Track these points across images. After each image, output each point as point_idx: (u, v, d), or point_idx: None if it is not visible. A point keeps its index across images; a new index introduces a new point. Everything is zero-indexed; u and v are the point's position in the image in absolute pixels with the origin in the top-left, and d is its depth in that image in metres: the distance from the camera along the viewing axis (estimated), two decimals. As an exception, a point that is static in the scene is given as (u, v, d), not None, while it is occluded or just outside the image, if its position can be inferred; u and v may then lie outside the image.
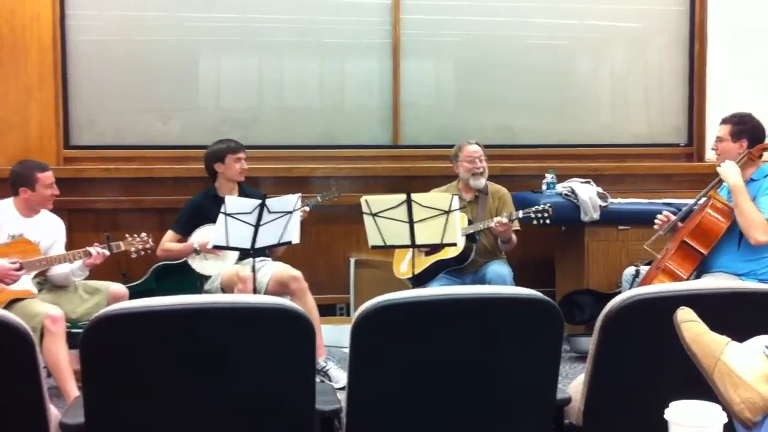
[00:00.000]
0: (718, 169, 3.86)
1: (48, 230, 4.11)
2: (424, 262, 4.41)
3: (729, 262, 3.79)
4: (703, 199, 3.98)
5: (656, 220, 4.08)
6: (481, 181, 4.59)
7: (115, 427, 2.15)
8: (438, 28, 5.62)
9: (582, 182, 5.07)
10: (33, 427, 2.18)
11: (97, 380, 2.12)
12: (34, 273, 3.96)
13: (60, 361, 3.68)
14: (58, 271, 4.07)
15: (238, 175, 4.51)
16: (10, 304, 3.78)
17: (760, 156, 3.88)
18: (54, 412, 2.29)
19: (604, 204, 4.92)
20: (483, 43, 5.67)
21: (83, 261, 4.01)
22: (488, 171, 4.79)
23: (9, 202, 4.05)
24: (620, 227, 4.94)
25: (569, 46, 5.78)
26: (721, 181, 3.92)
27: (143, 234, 4.24)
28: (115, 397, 2.13)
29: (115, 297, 4.01)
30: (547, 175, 5.15)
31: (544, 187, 5.12)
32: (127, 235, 4.22)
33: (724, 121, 4.01)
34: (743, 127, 3.92)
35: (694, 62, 5.83)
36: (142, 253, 4.23)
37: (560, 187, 5.05)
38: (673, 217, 4.06)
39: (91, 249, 4.00)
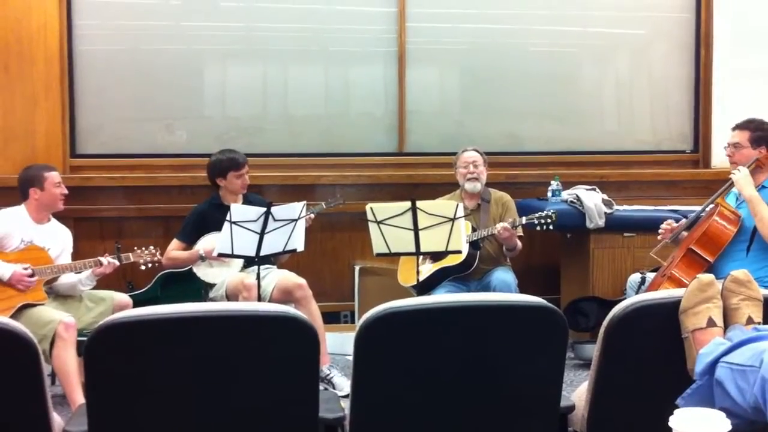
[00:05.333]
0: (733, 177, 3.82)
1: (57, 239, 4.14)
2: (428, 269, 4.42)
3: (737, 269, 3.76)
4: (711, 206, 3.96)
5: (660, 229, 4.07)
6: (476, 186, 4.58)
7: (118, 434, 2.16)
8: (443, 36, 5.62)
9: (587, 189, 5.07)
10: (37, 435, 2.19)
11: (101, 388, 2.12)
12: (45, 280, 3.98)
13: (69, 368, 3.69)
14: (65, 280, 4.10)
15: (240, 189, 4.52)
16: (21, 310, 3.82)
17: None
18: (57, 420, 2.29)
19: (609, 211, 4.92)
20: (488, 50, 5.67)
21: (93, 270, 4.04)
22: (493, 178, 4.79)
23: (22, 208, 4.10)
24: (626, 234, 4.93)
25: (574, 53, 5.79)
26: (728, 189, 3.90)
27: (151, 247, 4.28)
28: (119, 404, 2.13)
29: (120, 307, 4.03)
30: (552, 182, 5.14)
31: (549, 194, 5.12)
32: (136, 248, 4.25)
33: (740, 127, 3.96)
34: (763, 133, 3.89)
35: (699, 68, 5.82)
36: (150, 265, 4.28)
37: (565, 194, 5.05)
38: (675, 225, 4.05)
39: (102, 259, 4.04)
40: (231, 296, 4.28)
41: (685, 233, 4.02)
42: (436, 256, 4.42)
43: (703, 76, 5.81)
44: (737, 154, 3.94)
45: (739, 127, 3.97)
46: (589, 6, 5.75)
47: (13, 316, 3.58)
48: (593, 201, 4.90)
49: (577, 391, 2.58)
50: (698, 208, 4.09)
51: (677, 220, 4.13)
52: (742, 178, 3.76)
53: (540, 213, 4.30)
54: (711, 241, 3.77)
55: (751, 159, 3.86)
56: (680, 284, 3.72)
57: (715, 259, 3.78)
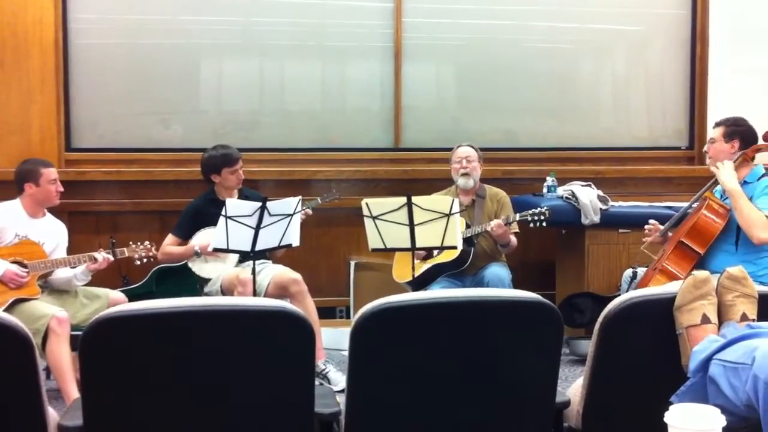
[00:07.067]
0: (715, 171, 3.86)
1: (52, 234, 4.14)
2: (423, 265, 4.42)
3: (727, 263, 3.78)
4: (699, 201, 4.00)
5: (646, 229, 4.11)
6: (469, 182, 4.58)
7: (113, 429, 2.15)
8: (439, 31, 5.62)
9: (583, 185, 5.07)
10: (31, 429, 2.18)
11: (96, 382, 2.12)
12: (38, 275, 3.97)
13: (63, 362, 3.70)
14: (60, 275, 4.09)
15: (235, 185, 4.51)
16: (14, 304, 3.81)
17: (753, 158, 3.91)
18: (53, 414, 2.29)
19: (604, 207, 4.93)
20: (484, 46, 5.67)
21: (87, 266, 4.04)
22: (490, 174, 4.79)
23: (16, 202, 4.10)
24: (621, 230, 4.94)
25: (570, 50, 5.79)
26: (716, 183, 3.93)
27: (147, 242, 4.27)
28: (114, 399, 2.12)
29: (115, 304, 3.99)
30: (548, 178, 5.15)
31: (545, 190, 5.13)
32: (131, 243, 4.24)
33: (718, 124, 4.06)
34: (737, 128, 3.96)
35: (695, 65, 5.83)
36: (145, 260, 4.27)
37: (561, 190, 5.05)
38: (660, 226, 4.08)
39: (96, 254, 4.04)
40: (226, 291, 4.28)
41: (672, 231, 4.06)
42: (427, 255, 4.43)
43: (699, 72, 5.82)
44: (711, 149, 4.02)
45: (717, 123, 4.07)
46: (586, 2, 5.75)
47: (5, 311, 3.57)
48: (588, 197, 4.90)
49: (573, 387, 2.58)
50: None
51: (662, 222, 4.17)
52: (725, 172, 3.79)
53: (533, 210, 4.31)
54: (700, 233, 3.81)
55: (723, 153, 3.93)
56: (672, 276, 3.75)
57: (705, 252, 3.81)
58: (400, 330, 2.19)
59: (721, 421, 1.61)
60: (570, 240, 5.11)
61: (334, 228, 5.39)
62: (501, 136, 5.69)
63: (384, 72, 5.55)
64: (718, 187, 3.95)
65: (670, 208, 4.86)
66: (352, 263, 5.36)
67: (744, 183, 3.83)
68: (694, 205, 4.01)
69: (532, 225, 4.31)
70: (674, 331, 2.32)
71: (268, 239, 3.99)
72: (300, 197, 4.10)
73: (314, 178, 5.35)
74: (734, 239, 3.78)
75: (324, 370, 4.25)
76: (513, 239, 4.47)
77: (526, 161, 5.60)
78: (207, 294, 4.39)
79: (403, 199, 3.89)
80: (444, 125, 5.64)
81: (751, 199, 3.73)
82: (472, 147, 4.67)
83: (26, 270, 3.89)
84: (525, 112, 5.74)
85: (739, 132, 3.94)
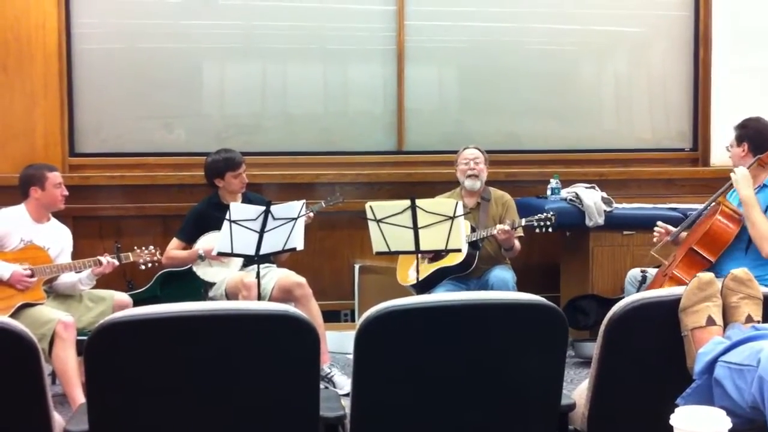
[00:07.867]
0: (732, 176, 3.83)
1: (57, 238, 4.15)
2: (428, 269, 4.42)
3: (736, 268, 3.76)
4: (712, 204, 3.96)
5: (655, 232, 4.09)
6: (476, 183, 4.58)
7: (119, 434, 2.16)
8: (442, 34, 5.62)
9: (587, 187, 5.07)
10: (37, 435, 2.19)
11: (101, 387, 2.12)
12: (44, 279, 3.98)
13: (69, 367, 3.70)
14: (65, 279, 4.10)
15: (239, 189, 4.51)
16: (20, 309, 3.82)
17: None
18: (58, 420, 2.29)
19: (608, 209, 4.92)
20: (487, 49, 5.67)
21: (92, 270, 4.05)
22: (493, 177, 4.80)
23: (21, 207, 4.10)
24: (625, 232, 4.93)
25: (573, 52, 5.78)
26: (730, 187, 3.90)
27: (151, 247, 4.29)
28: (120, 404, 2.12)
29: (120, 306, 4.03)
30: (551, 180, 5.14)
31: (548, 192, 5.12)
32: (136, 247, 4.25)
33: (734, 128, 4.03)
34: (743, 131, 3.94)
35: (698, 66, 5.82)
36: (150, 265, 4.28)
37: (565, 193, 5.05)
38: (672, 229, 4.04)
39: (102, 258, 4.05)
40: (231, 295, 4.28)
41: (685, 233, 4.02)
42: (433, 258, 4.43)
43: (702, 74, 5.81)
44: (730, 154, 3.99)
45: (734, 127, 4.03)
46: (588, 4, 5.75)
47: (12, 316, 3.58)
48: (592, 199, 4.90)
49: (578, 390, 2.58)
50: (697, 206, 4.09)
51: (681, 220, 4.13)
52: (740, 178, 3.76)
53: (539, 215, 4.31)
54: (713, 240, 3.75)
55: (735, 156, 3.91)
56: (681, 284, 3.71)
57: (716, 259, 3.77)
58: (405, 333, 2.19)
59: (727, 423, 1.61)
60: (574, 242, 5.11)
61: (337, 231, 5.39)
62: (504, 139, 5.68)
63: (386, 75, 5.55)
64: (733, 192, 3.92)
65: (674, 209, 4.85)
66: (357, 266, 5.36)
67: (763, 186, 3.78)
68: (709, 208, 3.96)
69: (538, 230, 4.31)
70: (679, 333, 2.31)
71: (272, 243, 3.99)
72: (304, 201, 4.11)
73: (317, 182, 5.35)
74: (745, 244, 3.73)
75: (329, 373, 4.25)
76: (517, 243, 4.46)
77: (529, 163, 5.59)
78: (211, 298, 4.39)
79: (407, 202, 3.89)
80: (447, 128, 5.64)
81: (767, 209, 3.70)
82: (479, 149, 4.68)
83: (28, 269, 3.89)
84: (527, 114, 5.74)
85: (746, 134, 3.91)
